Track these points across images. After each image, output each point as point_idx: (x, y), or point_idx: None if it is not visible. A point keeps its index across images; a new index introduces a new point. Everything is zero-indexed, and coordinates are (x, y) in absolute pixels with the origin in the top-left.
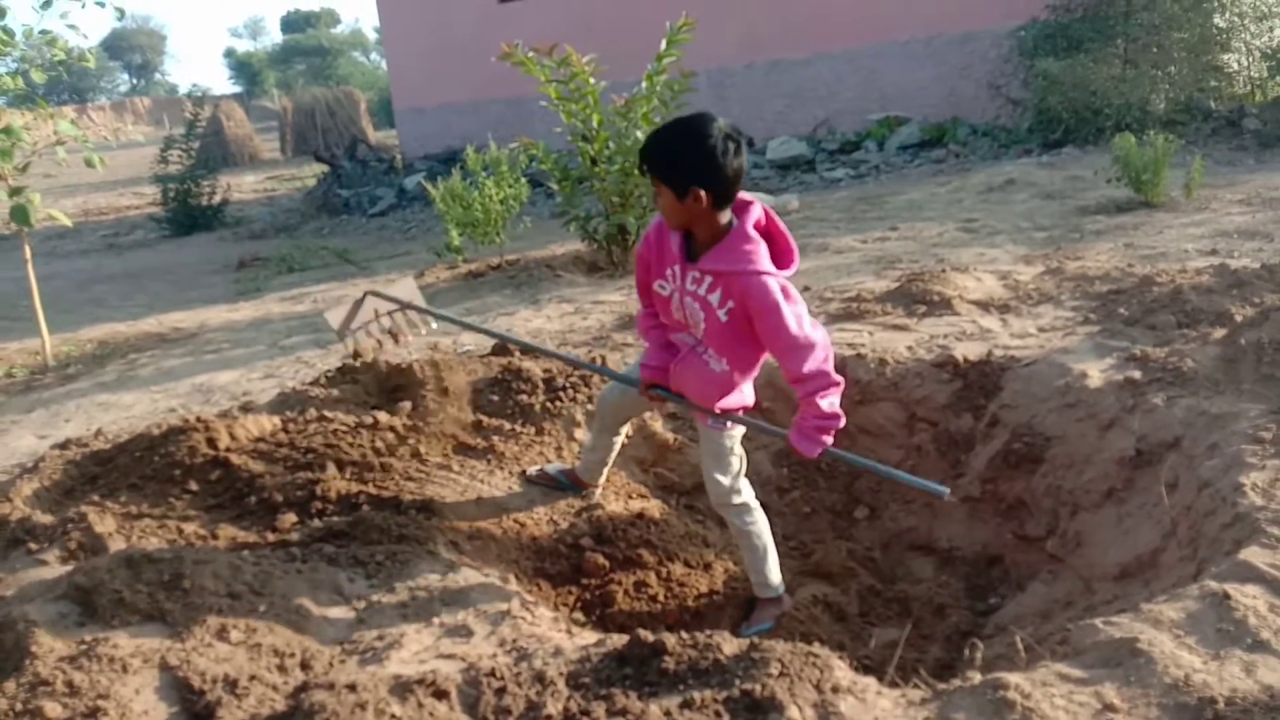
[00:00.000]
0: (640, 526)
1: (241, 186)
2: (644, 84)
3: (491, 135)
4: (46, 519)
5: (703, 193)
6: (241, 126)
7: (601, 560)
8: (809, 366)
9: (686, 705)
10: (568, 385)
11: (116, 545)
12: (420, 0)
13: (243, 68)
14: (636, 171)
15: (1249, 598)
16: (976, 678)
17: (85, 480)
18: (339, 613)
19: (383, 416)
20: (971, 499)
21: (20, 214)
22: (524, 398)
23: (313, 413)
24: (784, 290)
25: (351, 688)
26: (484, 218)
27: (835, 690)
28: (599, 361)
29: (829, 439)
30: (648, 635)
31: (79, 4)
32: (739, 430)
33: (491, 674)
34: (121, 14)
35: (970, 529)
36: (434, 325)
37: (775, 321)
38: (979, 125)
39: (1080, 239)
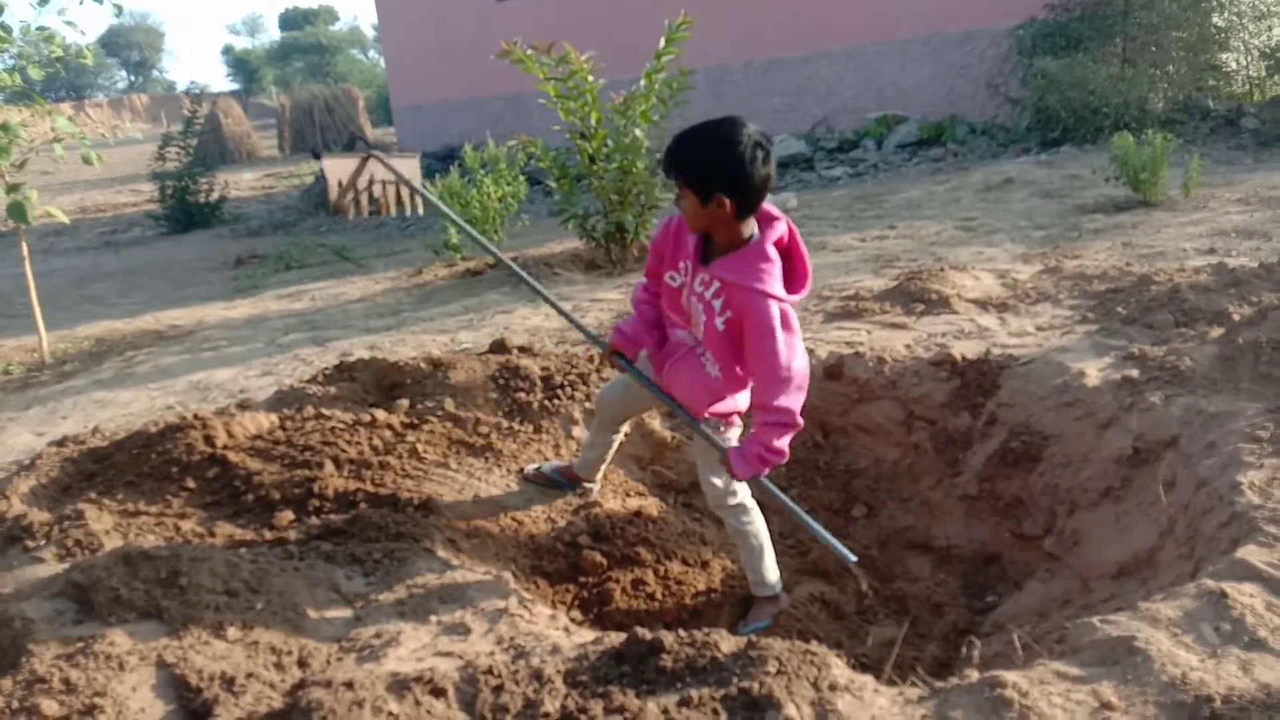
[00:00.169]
0: (638, 524)
1: (239, 184)
2: (642, 82)
3: (490, 133)
4: (43, 516)
5: (728, 200)
6: (239, 124)
7: (599, 558)
8: (780, 401)
9: (684, 703)
10: (565, 383)
11: (113, 543)
12: None
13: (241, 65)
14: (635, 169)
15: (1246, 596)
16: (974, 676)
17: (82, 478)
18: (336, 611)
19: (380, 414)
20: (969, 498)
21: (17, 211)
22: (522, 395)
23: (310, 410)
24: (784, 316)
25: (349, 685)
26: (482, 215)
27: (833, 688)
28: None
29: (766, 470)
30: (645, 633)
31: (77, 0)
32: (733, 431)
33: (489, 672)
34: (119, 11)
35: (968, 527)
36: (420, 212)
37: (765, 346)
38: (977, 124)
39: (1078, 238)
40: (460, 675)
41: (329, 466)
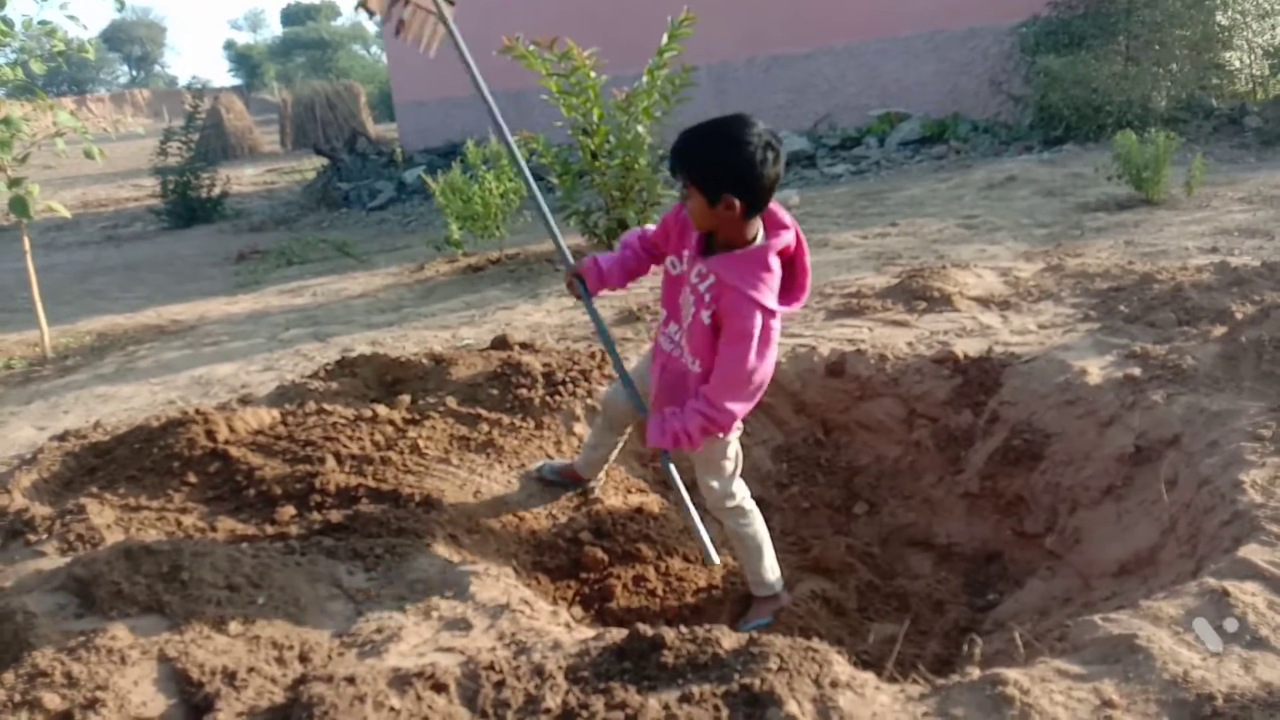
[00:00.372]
0: (639, 521)
1: (241, 179)
2: (645, 78)
3: (491, 129)
4: (45, 510)
5: (736, 201)
6: (241, 119)
7: (600, 554)
8: (728, 404)
9: (685, 699)
10: (567, 379)
11: (115, 537)
12: None
13: (242, 60)
14: (637, 165)
15: (1248, 595)
16: (975, 673)
17: (84, 472)
18: (338, 606)
19: (382, 410)
20: (971, 495)
21: (19, 205)
22: (523, 392)
23: (312, 406)
24: (765, 328)
25: (350, 680)
26: (484, 211)
27: (834, 685)
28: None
29: (673, 449)
30: (647, 629)
31: None
32: (733, 435)
33: (490, 667)
34: (121, 5)
35: (969, 525)
36: (432, 54)
37: (737, 350)
38: (980, 122)
39: (1081, 236)
40: (462, 671)
41: (330, 462)
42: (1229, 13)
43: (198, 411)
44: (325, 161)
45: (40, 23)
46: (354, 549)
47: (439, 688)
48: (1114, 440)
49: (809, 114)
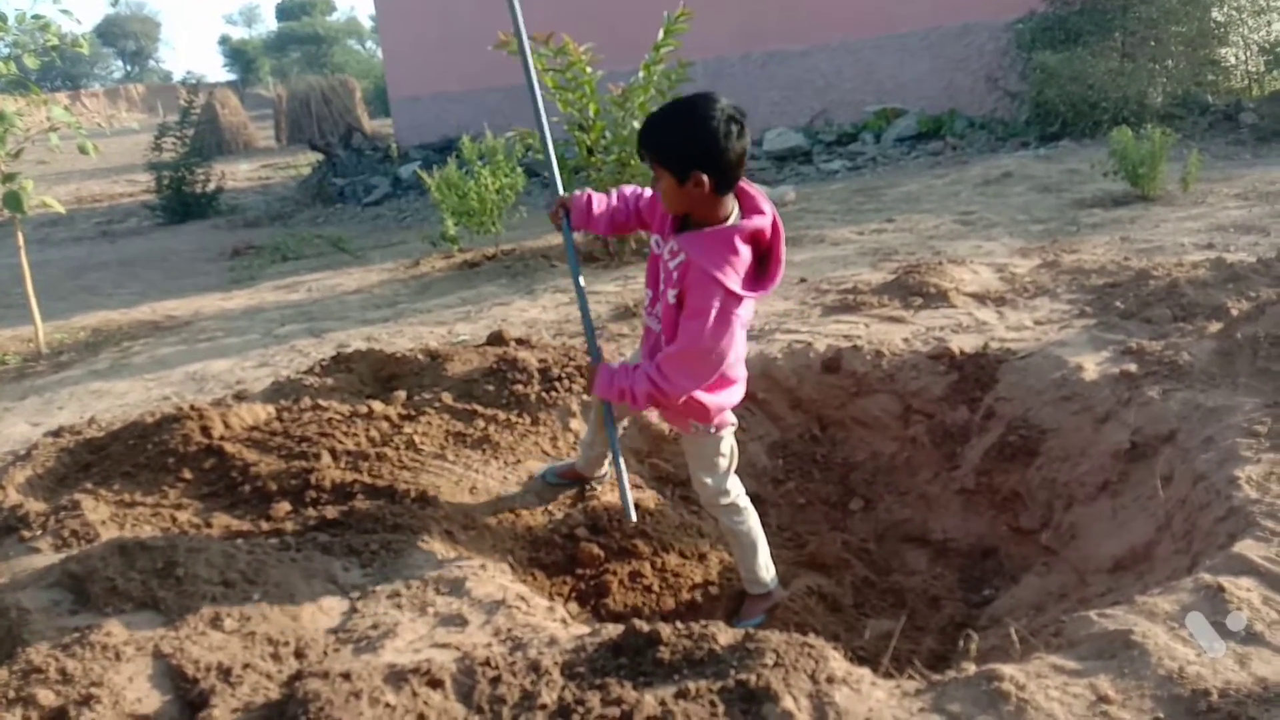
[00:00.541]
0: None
1: (236, 175)
2: (641, 74)
3: (487, 124)
4: (39, 506)
5: (705, 177)
6: (236, 114)
7: (596, 550)
8: (676, 372)
9: (681, 695)
10: (563, 375)
11: (110, 533)
12: None
13: (237, 55)
14: (633, 161)
15: (1243, 590)
16: (971, 669)
17: (78, 468)
18: (333, 602)
19: (377, 406)
20: (966, 491)
21: (13, 201)
22: (519, 388)
23: (307, 401)
24: (724, 309)
25: (346, 676)
26: (479, 207)
27: (830, 680)
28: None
29: (615, 402)
30: (643, 625)
31: None
32: (726, 431)
33: (486, 663)
34: (115, 0)
35: (965, 521)
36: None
37: (693, 326)
38: (976, 118)
39: (1077, 232)
40: (458, 666)
41: (326, 458)
42: (1225, 9)
43: (193, 407)
44: (320, 157)
45: (34, 17)
46: (349, 545)
47: (435, 684)
48: (1110, 436)
49: (805, 110)
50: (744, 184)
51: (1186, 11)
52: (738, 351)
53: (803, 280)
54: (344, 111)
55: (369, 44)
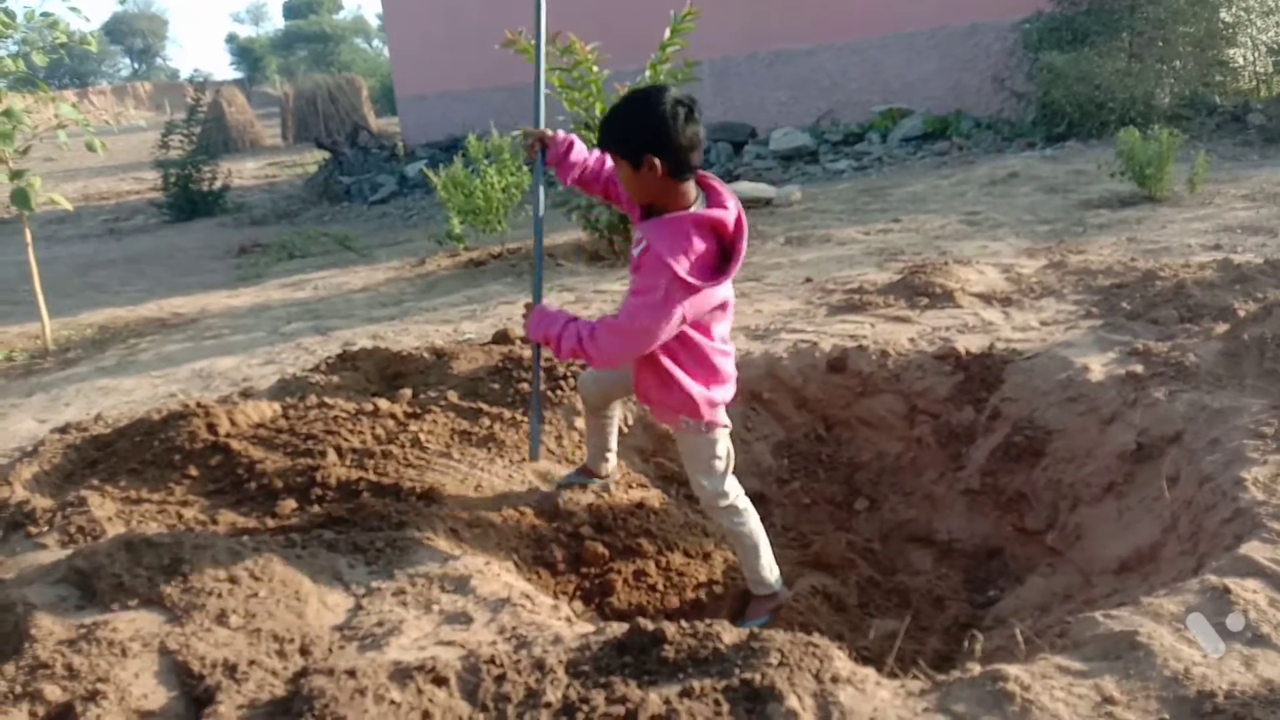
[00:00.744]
0: (640, 516)
1: (242, 172)
2: (647, 73)
3: (494, 123)
4: (46, 503)
5: (657, 160)
6: (243, 112)
7: (601, 549)
8: (604, 337)
9: (686, 694)
10: (568, 374)
11: (116, 529)
12: None
13: (244, 53)
14: None
15: (1249, 592)
16: (976, 669)
17: (85, 464)
18: (338, 599)
19: (383, 404)
20: (972, 492)
21: (21, 198)
22: (525, 386)
23: (313, 399)
24: (668, 293)
25: (351, 673)
26: (485, 206)
27: (835, 680)
28: None
29: (538, 340)
30: (648, 624)
31: None
32: (720, 433)
33: (491, 661)
34: None
35: (970, 521)
36: None
37: (633, 299)
38: (983, 118)
39: (1083, 233)
40: (462, 664)
41: (331, 455)
42: (1233, 9)
43: (199, 404)
44: (327, 155)
45: (42, 14)
46: (355, 542)
47: (440, 681)
48: (1116, 437)
49: (811, 110)
50: (713, 181)
51: (1194, 12)
52: (726, 349)
53: (808, 280)
54: (350, 110)
55: (376, 42)
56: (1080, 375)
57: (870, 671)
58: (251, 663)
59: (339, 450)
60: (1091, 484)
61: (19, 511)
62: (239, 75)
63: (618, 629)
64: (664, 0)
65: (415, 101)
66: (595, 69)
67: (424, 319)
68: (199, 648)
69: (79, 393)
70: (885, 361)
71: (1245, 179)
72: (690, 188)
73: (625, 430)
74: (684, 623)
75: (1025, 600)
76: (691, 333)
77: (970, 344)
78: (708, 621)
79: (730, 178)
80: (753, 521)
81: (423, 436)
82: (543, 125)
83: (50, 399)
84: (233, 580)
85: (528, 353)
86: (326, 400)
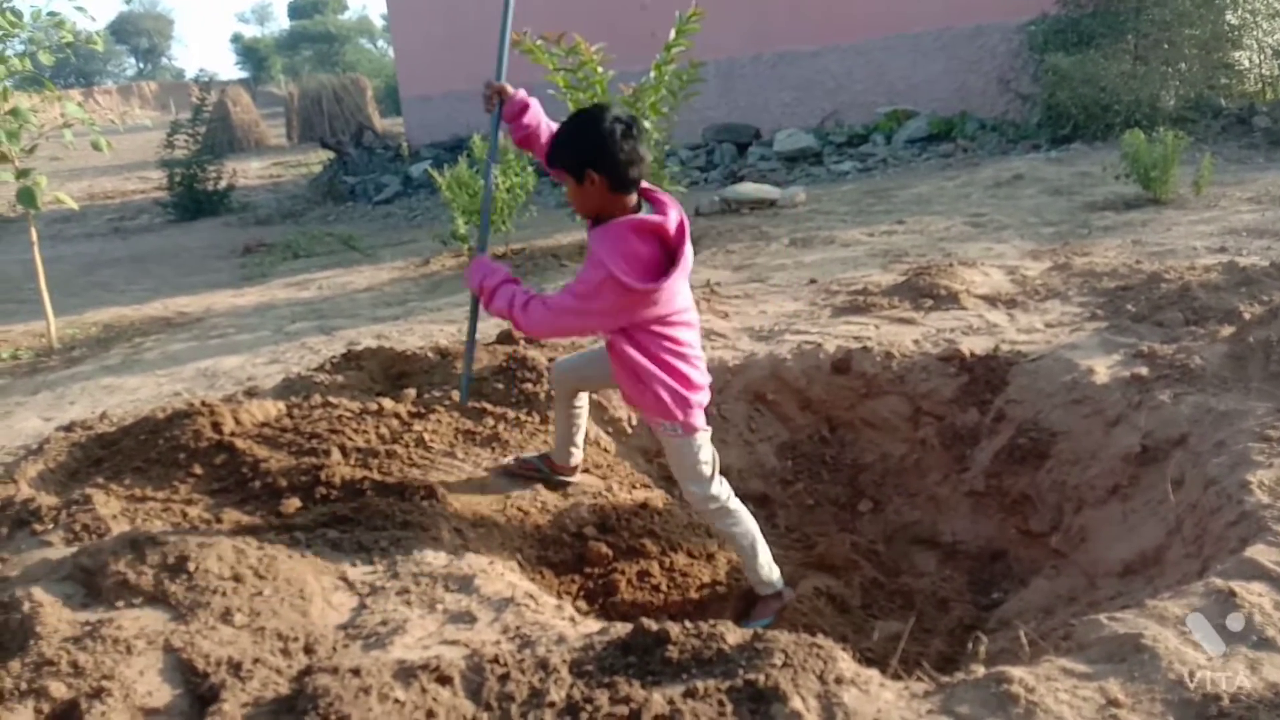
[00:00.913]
0: (643, 516)
1: (247, 172)
2: (652, 74)
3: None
4: (51, 501)
5: (596, 175)
6: (248, 112)
7: (605, 549)
8: (534, 309)
9: (690, 694)
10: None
11: (121, 528)
12: None
13: (249, 53)
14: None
15: (1255, 595)
16: (980, 671)
17: (90, 463)
18: (343, 598)
19: (387, 403)
20: (976, 493)
21: (27, 196)
22: (528, 386)
23: (317, 398)
24: (599, 288)
25: (355, 672)
26: (490, 206)
27: (839, 681)
28: None
29: (473, 288)
30: (652, 624)
31: None
32: (700, 436)
33: (495, 660)
34: None
35: (974, 523)
36: None
37: (570, 288)
38: (988, 120)
39: (1088, 235)
40: (466, 663)
41: (336, 454)
42: (1239, 12)
43: (204, 403)
44: (331, 155)
45: (49, 14)
46: (359, 541)
47: (444, 680)
48: (1120, 440)
49: (816, 111)
50: (658, 194)
51: (1200, 14)
52: (694, 355)
53: (813, 281)
54: (355, 110)
55: (380, 43)
56: (1085, 377)
57: (874, 673)
58: (256, 661)
59: (343, 449)
60: (1096, 486)
61: (24, 509)
62: (244, 75)
63: (622, 629)
64: (670, 1)
65: (420, 102)
66: (600, 69)
67: (428, 319)
68: (203, 646)
69: (84, 391)
70: (890, 363)
71: (1250, 182)
72: (632, 200)
73: (629, 431)
74: (688, 623)
75: (1029, 602)
76: (661, 338)
77: (975, 346)
78: (712, 622)
79: (734, 179)
80: (746, 522)
81: (427, 436)
82: (504, 80)
83: (55, 397)
84: (237, 578)
85: (531, 352)
86: (331, 399)
